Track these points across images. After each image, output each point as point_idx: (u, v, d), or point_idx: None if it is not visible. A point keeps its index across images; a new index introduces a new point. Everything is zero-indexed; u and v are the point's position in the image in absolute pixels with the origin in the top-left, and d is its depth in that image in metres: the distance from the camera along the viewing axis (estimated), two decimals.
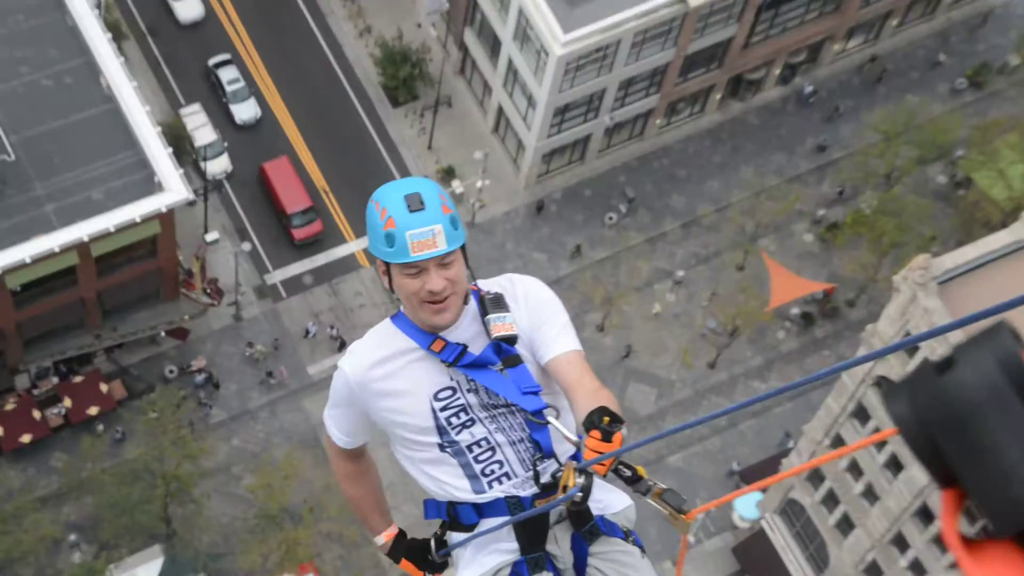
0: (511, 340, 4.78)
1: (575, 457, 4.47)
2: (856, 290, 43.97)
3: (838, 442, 37.51)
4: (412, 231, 4.49)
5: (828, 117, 46.26)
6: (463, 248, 4.70)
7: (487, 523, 4.84)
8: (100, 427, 39.12)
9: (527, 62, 41.11)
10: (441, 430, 4.82)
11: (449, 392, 4.81)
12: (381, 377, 4.81)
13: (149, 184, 35.59)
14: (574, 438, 4.48)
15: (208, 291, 40.22)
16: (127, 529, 36.53)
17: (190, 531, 37.31)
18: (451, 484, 4.88)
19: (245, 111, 44.30)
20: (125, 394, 39.65)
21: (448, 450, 4.84)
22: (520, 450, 4.82)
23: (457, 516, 4.91)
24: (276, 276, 42.68)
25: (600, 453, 4.13)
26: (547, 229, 44.37)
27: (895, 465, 35.40)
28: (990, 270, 32.20)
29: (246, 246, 41.68)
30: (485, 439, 4.81)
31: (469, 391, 4.81)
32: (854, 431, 36.53)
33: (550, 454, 4.74)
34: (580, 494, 4.21)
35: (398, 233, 4.51)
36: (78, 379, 39.33)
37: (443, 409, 4.80)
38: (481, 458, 4.83)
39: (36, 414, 38.70)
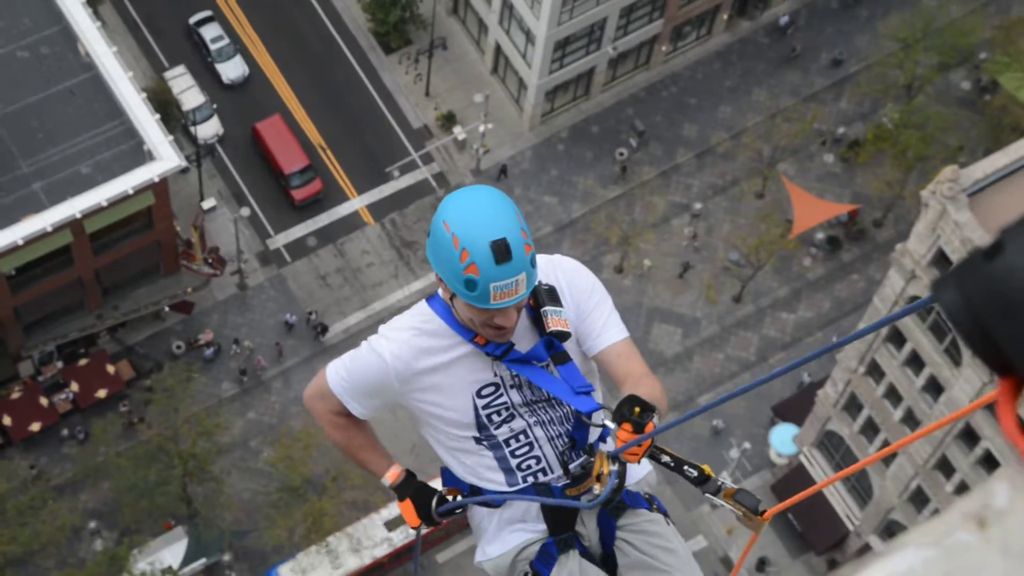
0: (562, 336, 4.68)
1: (603, 439, 4.58)
2: (882, 209, 42.89)
3: (873, 368, 36.46)
4: (496, 283, 4.36)
5: (788, 58, 44.06)
6: None
7: (514, 503, 4.85)
8: (123, 407, 37.96)
9: None
10: (481, 426, 4.80)
11: (492, 388, 4.75)
12: (425, 372, 4.70)
13: (139, 153, 34.65)
14: (609, 425, 4.45)
15: (209, 261, 39.13)
16: (147, 513, 35.91)
17: (212, 510, 36.50)
18: (484, 474, 4.87)
19: (232, 70, 42.86)
20: (133, 374, 38.72)
21: (484, 443, 4.83)
22: (557, 445, 4.83)
23: (481, 492, 4.91)
24: (279, 240, 41.53)
25: (631, 439, 4.22)
26: (556, 171, 42.98)
27: (935, 388, 34.45)
28: (1022, 177, 30.98)
29: (245, 211, 40.43)
30: (524, 432, 4.81)
31: (513, 387, 4.76)
32: (889, 356, 35.51)
33: (584, 448, 4.75)
34: (617, 481, 4.32)
35: (481, 281, 4.37)
36: (83, 362, 38.39)
37: (485, 407, 4.76)
38: (518, 452, 4.82)
39: (43, 401, 37.83)
